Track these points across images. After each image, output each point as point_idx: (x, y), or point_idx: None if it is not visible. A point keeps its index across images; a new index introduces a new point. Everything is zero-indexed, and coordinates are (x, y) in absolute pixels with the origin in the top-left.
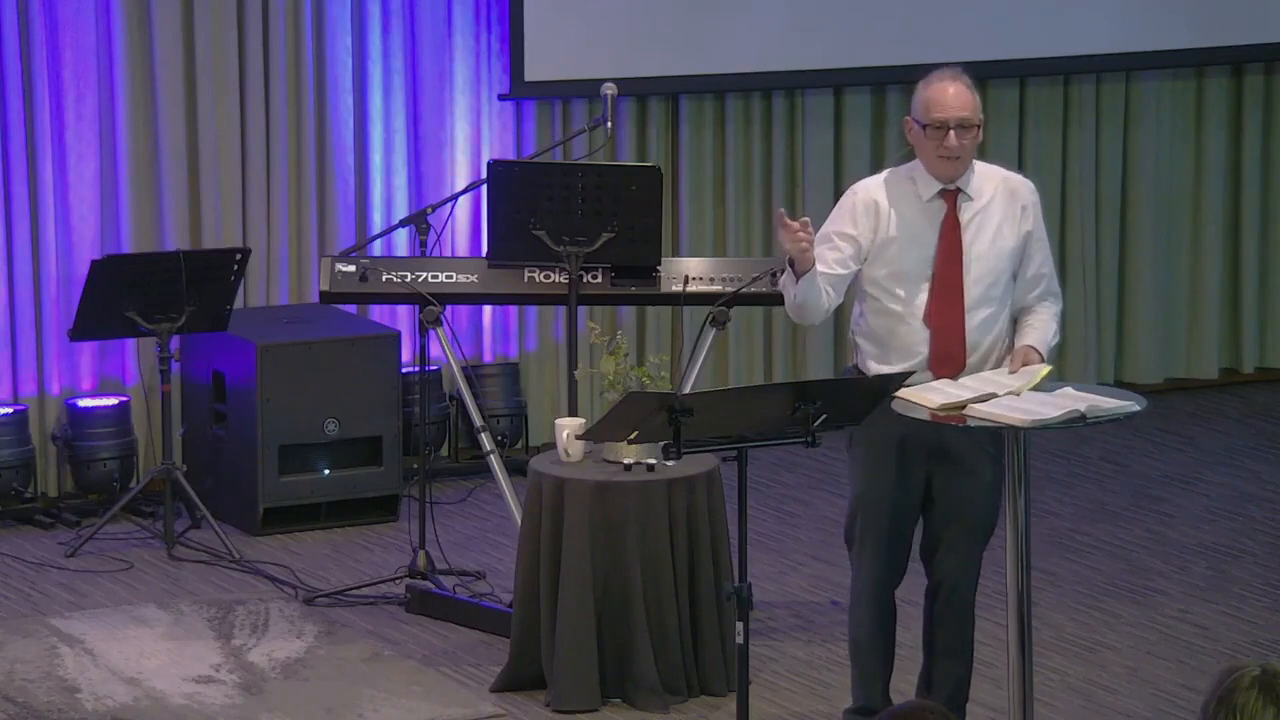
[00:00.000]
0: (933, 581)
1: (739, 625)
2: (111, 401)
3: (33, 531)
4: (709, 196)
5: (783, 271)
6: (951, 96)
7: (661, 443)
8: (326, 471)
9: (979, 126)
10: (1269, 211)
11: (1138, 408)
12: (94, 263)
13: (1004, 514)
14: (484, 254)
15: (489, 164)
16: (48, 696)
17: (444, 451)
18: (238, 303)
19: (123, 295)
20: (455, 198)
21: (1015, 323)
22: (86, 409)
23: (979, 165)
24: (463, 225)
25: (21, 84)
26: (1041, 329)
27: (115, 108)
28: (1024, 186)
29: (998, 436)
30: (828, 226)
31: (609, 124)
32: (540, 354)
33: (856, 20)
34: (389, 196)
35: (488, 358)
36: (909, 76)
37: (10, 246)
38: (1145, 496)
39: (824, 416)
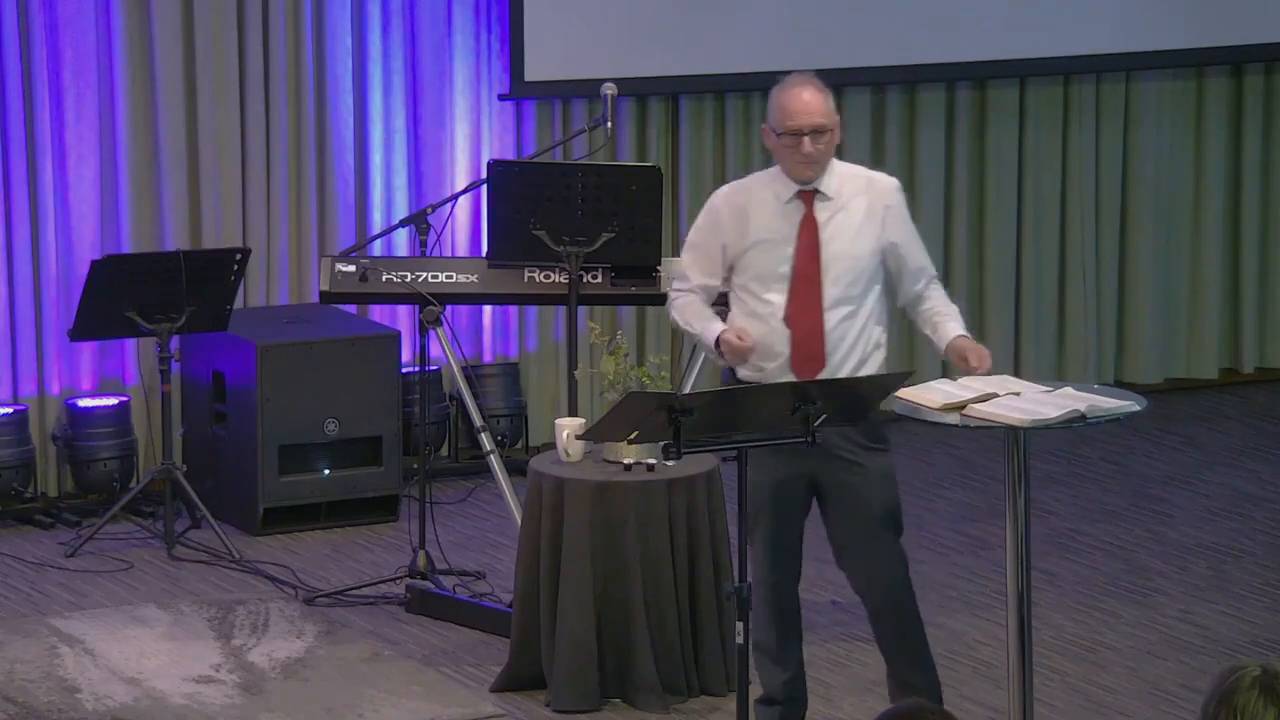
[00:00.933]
0: (856, 584)
1: (739, 625)
2: (111, 401)
3: (33, 531)
4: (709, 197)
5: (697, 339)
6: (805, 103)
7: (661, 443)
8: (326, 471)
9: (834, 130)
10: (1269, 211)
11: (1138, 408)
12: (94, 263)
13: (1004, 514)
14: (484, 254)
15: (489, 164)
16: (48, 696)
17: (444, 451)
18: (238, 303)
19: (123, 295)
20: (455, 198)
21: (914, 314)
22: (86, 409)
23: (839, 165)
24: (463, 225)
25: (21, 84)
26: (953, 314)
27: (115, 108)
28: (888, 186)
29: (872, 429)
30: (696, 236)
31: (609, 124)
32: (540, 354)
33: (856, 20)
34: (389, 196)
35: (488, 358)
36: (909, 76)
37: (10, 246)
38: (1145, 496)
39: (824, 416)
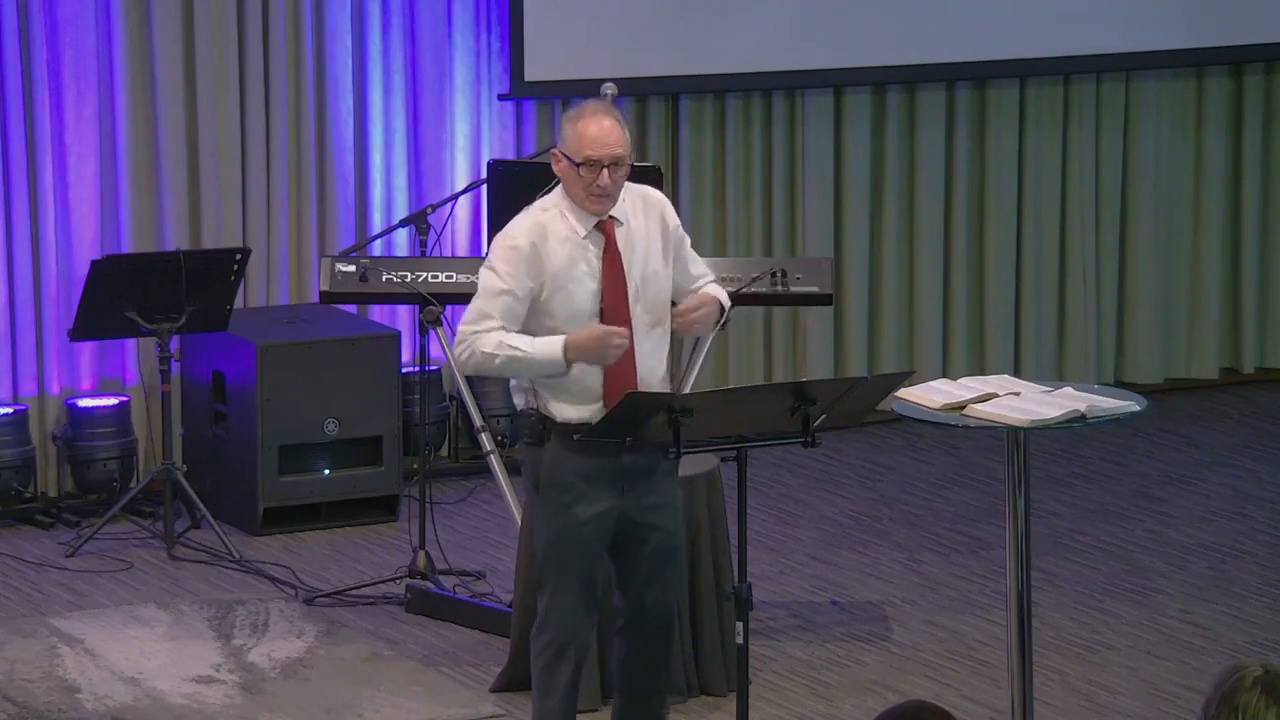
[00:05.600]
0: (638, 615)
1: (739, 625)
2: (111, 401)
3: (33, 531)
4: (709, 196)
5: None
6: (605, 133)
7: (661, 443)
8: (326, 471)
9: (629, 163)
10: (1269, 211)
11: (1138, 408)
12: (94, 263)
13: (1004, 514)
14: (484, 254)
15: (489, 164)
16: (48, 696)
17: (444, 451)
18: (238, 303)
19: (123, 295)
20: (455, 198)
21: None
22: (86, 409)
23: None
24: (463, 225)
25: (21, 84)
26: (718, 289)
27: (115, 108)
28: (654, 195)
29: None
30: (500, 282)
31: None
32: None
33: (856, 20)
34: (389, 196)
35: None
36: (909, 76)
37: (10, 246)
38: (1145, 496)
39: (824, 416)
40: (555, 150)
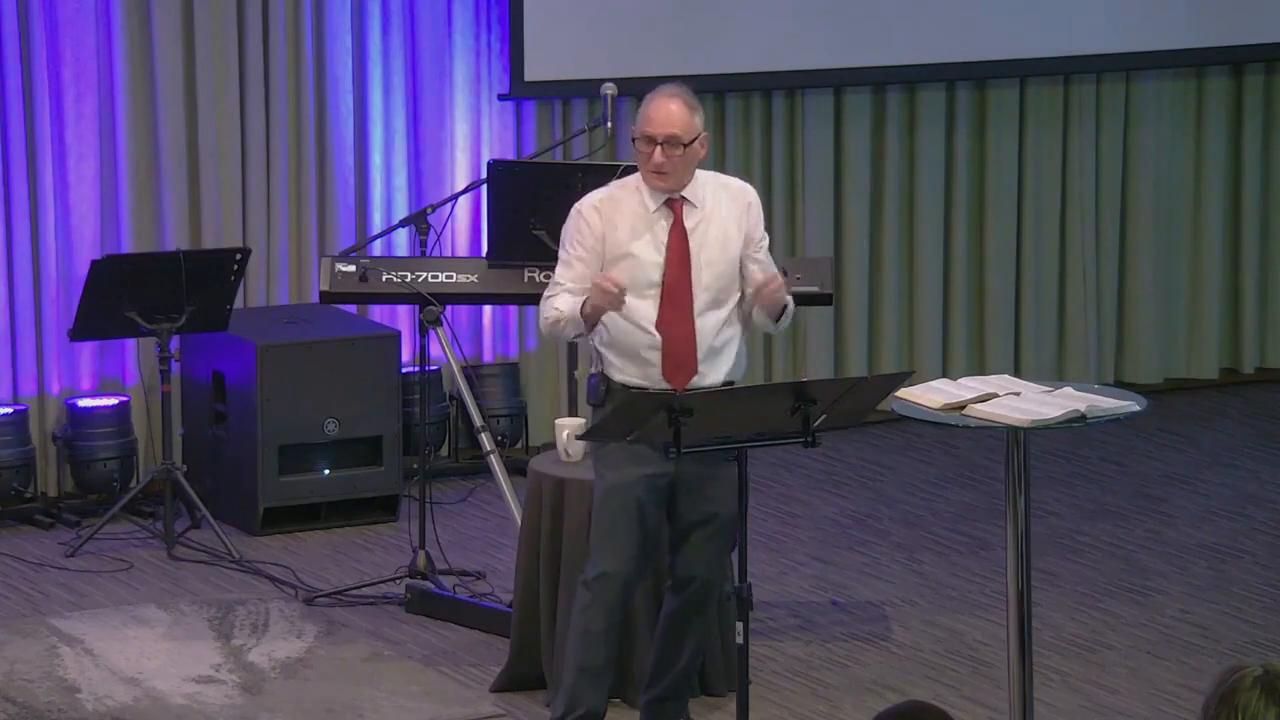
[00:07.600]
0: (678, 578)
1: (739, 625)
2: (111, 401)
3: (33, 531)
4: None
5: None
6: (667, 113)
7: (662, 443)
8: (326, 471)
9: (692, 143)
10: (1269, 211)
11: (1138, 408)
12: (94, 263)
13: (1004, 514)
14: (484, 254)
15: (489, 164)
16: (48, 696)
17: (444, 451)
18: (238, 303)
19: (123, 295)
20: (455, 198)
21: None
22: (86, 409)
23: (701, 174)
24: (463, 225)
25: (21, 84)
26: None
27: (115, 108)
28: (745, 189)
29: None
30: (568, 251)
31: (609, 124)
32: (540, 354)
33: (856, 20)
34: (389, 196)
35: (488, 358)
36: (909, 76)
37: (10, 246)
38: (1145, 496)
39: (824, 416)
40: (632, 127)
